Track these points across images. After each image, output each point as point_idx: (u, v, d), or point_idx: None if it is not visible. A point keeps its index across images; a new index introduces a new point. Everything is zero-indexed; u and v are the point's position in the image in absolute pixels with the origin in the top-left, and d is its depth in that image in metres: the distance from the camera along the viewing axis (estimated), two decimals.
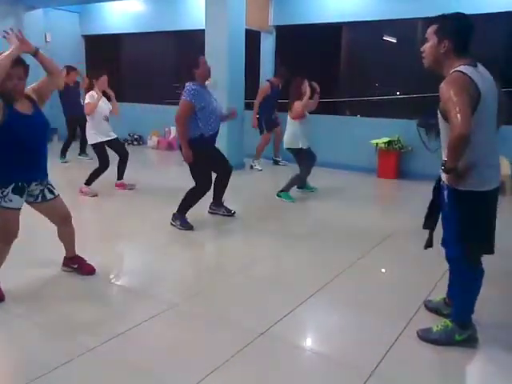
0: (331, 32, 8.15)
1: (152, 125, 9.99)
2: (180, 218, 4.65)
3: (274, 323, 2.84)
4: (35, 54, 3.04)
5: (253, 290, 3.37)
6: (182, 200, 4.67)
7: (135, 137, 10.45)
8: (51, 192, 3.23)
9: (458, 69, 2.34)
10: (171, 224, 4.66)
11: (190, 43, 9.54)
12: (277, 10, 8.48)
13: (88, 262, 3.54)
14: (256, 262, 3.93)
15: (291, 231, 4.72)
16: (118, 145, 6.13)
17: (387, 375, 2.40)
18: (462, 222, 2.47)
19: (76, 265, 3.51)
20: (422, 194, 6.44)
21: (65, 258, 3.54)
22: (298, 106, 5.71)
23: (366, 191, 6.67)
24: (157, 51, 10.44)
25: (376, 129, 7.41)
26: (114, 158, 6.09)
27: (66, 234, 3.44)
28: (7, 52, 2.86)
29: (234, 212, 5.06)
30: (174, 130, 9.76)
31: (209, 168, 4.69)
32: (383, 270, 3.83)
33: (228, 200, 5.17)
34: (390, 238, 4.50)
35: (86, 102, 5.82)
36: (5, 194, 2.97)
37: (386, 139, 7.17)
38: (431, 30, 2.48)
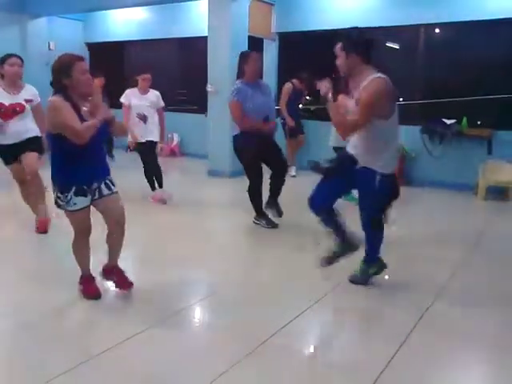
0: (335, 39, 8.10)
1: None
2: (262, 217, 4.83)
3: (275, 331, 2.82)
4: (111, 122, 3.07)
5: (255, 297, 3.35)
6: (251, 201, 4.83)
7: None
8: (108, 188, 3.12)
9: None
10: (254, 222, 4.85)
11: (193, 50, 9.58)
12: (280, 17, 8.52)
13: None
14: (261, 268, 3.90)
15: (297, 236, 4.70)
16: (144, 151, 5.85)
17: (391, 383, 2.38)
18: None
19: (116, 278, 3.31)
20: (425, 201, 6.50)
21: (104, 268, 3.34)
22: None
23: None
24: (160, 58, 10.47)
25: None
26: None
27: (116, 238, 3.21)
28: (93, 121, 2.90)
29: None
30: (176, 137, 9.77)
31: (254, 162, 4.72)
32: (386, 277, 3.80)
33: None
34: (394, 243, 4.46)
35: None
36: (68, 198, 2.96)
37: None
38: None
